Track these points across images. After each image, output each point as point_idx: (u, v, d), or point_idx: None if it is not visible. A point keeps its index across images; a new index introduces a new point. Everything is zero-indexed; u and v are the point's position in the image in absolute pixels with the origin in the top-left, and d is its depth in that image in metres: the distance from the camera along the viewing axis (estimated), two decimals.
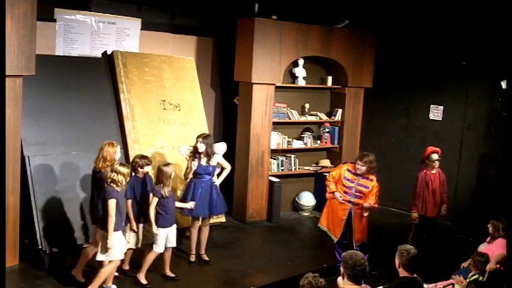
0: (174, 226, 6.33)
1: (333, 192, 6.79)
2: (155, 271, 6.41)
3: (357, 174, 6.68)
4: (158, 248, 6.15)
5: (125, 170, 5.54)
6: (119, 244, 5.55)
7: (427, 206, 7.26)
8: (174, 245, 6.34)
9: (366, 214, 6.69)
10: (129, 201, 6.15)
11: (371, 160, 6.63)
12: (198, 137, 6.79)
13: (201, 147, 6.71)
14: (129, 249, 6.30)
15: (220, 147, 7.01)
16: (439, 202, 7.36)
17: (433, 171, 7.32)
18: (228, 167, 7.06)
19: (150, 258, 6.16)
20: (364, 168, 6.61)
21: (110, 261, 5.59)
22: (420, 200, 7.27)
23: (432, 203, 7.28)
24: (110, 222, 5.41)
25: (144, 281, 6.14)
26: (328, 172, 9.26)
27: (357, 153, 9.43)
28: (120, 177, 5.47)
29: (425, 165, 7.35)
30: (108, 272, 5.61)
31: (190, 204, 6.55)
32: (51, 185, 6.68)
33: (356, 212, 6.69)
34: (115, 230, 5.47)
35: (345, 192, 6.70)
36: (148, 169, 6.33)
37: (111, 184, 5.45)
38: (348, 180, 6.71)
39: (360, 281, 4.00)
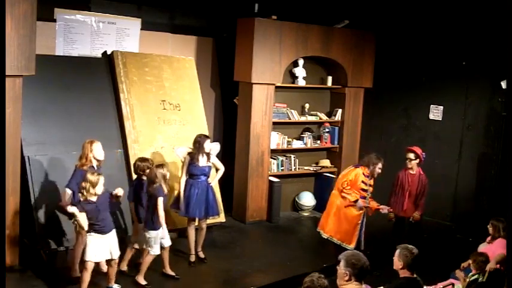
0: (164, 225, 6.25)
1: (355, 201, 6.80)
2: (155, 270, 6.40)
3: (367, 176, 6.85)
4: (155, 251, 6.13)
5: (93, 177, 5.46)
6: (91, 245, 5.51)
7: (400, 206, 7.19)
8: (170, 243, 6.32)
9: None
10: (131, 204, 6.25)
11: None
12: (205, 137, 6.82)
13: (208, 148, 6.75)
14: (134, 248, 6.35)
15: (214, 148, 7.01)
16: (415, 204, 7.21)
17: (412, 172, 7.21)
18: (222, 168, 7.07)
19: (147, 261, 6.15)
20: (380, 171, 6.87)
21: (85, 262, 5.57)
22: (394, 199, 7.22)
23: (406, 204, 7.17)
24: (83, 233, 5.57)
25: (143, 282, 6.15)
26: (329, 173, 9.40)
27: (357, 153, 9.51)
28: (86, 184, 5.44)
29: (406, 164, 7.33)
30: (83, 275, 5.57)
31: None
32: (51, 185, 6.68)
33: (367, 215, 6.91)
34: (89, 232, 5.51)
35: (362, 197, 6.83)
36: None
37: (81, 193, 5.49)
38: (365, 183, 6.85)
39: (363, 279, 4.00)
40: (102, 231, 5.55)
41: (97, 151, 6.03)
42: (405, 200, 7.18)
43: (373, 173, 6.85)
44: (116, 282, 5.92)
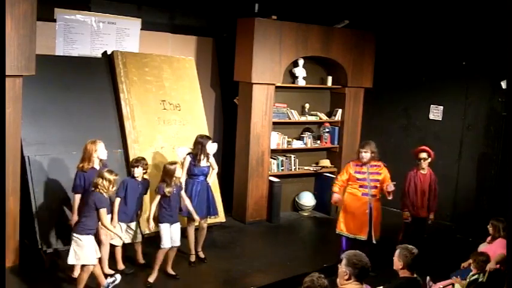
0: (178, 224, 6.34)
1: (334, 192, 6.95)
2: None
3: (364, 164, 6.85)
4: (165, 244, 6.18)
5: (111, 177, 5.50)
6: (89, 248, 5.47)
7: (415, 206, 7.20)
8: (178, 244, 6.35)
9: (391, 197, 6.88)
10: (118, 200, 6.24)
11: (371, 145, 6.89)
12: (207, 138, 6.87)
13: (210, 149, 6.79)
14: (116, 246, 6.34)
15: (213, 147, 7.02)
16: (427, 203, 7.25)
17: (423, 172, 7.24)
18: (216, 168, 7.10)
19: (159, 256, 6.20)
20: (368, 155, 6.84)
21: (82, 266, 5.53)
22: (409, 200, 7.20)
23: (420, 204, 7.20)
24: (106, 224, 5.54)
25: (151, 279, 6.17)
26: (329, 172, 9.42)
27: (357, 153, 9.48)
28: (105, 183, 5.46)
29: (416, 164, 7.32)
30: (83, 277, 5.53)
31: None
32: (51, 185, 6.68)
33: (374, 205, 6.87)
34: (87, 234, 5.47)
35: (361, 186, 6.88)
36: (137, 172, 6.36)
37: (97, 190, 5.48)
38: (358, 172, 6.89)
39: (364, 279, 4.01)
40: (94, 233, 5.57)
41: (101, 151, 6.09)
42: (419, 200, 7.19)
43: (361, 160, 6.87)
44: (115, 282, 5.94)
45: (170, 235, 6.22)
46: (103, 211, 5.46)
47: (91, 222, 5.49)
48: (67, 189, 6.70)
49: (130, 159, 7.00)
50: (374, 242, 6.86)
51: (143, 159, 6.52)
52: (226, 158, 9.10)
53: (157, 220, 6.26)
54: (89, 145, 6.04)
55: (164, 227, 6.19)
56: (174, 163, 6.36)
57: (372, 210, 6.86)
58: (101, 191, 5.46)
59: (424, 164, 7.22)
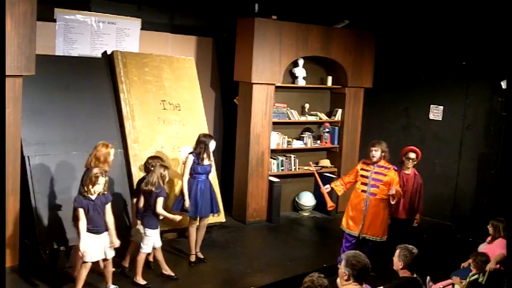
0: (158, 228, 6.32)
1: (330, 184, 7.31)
2: (155, 270, 6.42)
3: (372, 164, 6.92)
4: (146, 249, 6.15)
5: (92, 173, 5.52)
6: (88, 245, 5.52)
7: (396, 207, 7.16)
8: (160, 244, 6.29)
9: (393, 202, 6.84)
10: (133, 200, 6.45)
11: (382, 144, 6.94)
12: (210, 137, 6.90)
13: (212, 148, 6.85)
14: (132, 242, 6.39)
15: (212, 145, 7.04)
16: (411, 204, 7.21)
17: (408, 172, 7.26)
18: (213, 165, 7.13)
19: (140, 259, 6.16)
20: (378, 154, 6.88)
21: (84, 262, 5.58)
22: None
23: (401, 205, 7.17)
24: (79, 226, 5.51)
25: (142, 282, 6.15)
26: (329, 172, 9.42)
27: (357, 153, 9.53)
28: (87, 180, 5.51)
29: (402, 164, 7.31)
30: (81, 274, 5.59)
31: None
32: (51, 185, 6.67)
33: (372, 203, 6.87)
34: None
35: (363, 183, 6.95)
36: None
37: (83, 190, 5.54)
38: (364, 170, 6.98)
39: (363, 280, 4.01)
40: (96, 232, 5.56)
41: (111, 157, 6.09)
42: (401, 201, 7.16)
43: (371, 158, 6.93)
44: (115, 283, 5.93)
45: (153, 240, 6.20)
46: (78, 211, 5.49)
47: (89, 221, 5.53)
48: (67, 189, 6.69)
49: (134, 160, 7.17)
50: (359, 236, 6.88)
51: (147, 161, 6.60)
52: (226, 158, 9.11)
53: (144, 224, 6.19)
54: (104, 148, 5.99)
55: (152, 233, 6.14)
56: (166, 167, 6.32)
57: (367, 206, 6.86)
58: (84, 190, 5.52)
59: (410, 164, 7.26)
